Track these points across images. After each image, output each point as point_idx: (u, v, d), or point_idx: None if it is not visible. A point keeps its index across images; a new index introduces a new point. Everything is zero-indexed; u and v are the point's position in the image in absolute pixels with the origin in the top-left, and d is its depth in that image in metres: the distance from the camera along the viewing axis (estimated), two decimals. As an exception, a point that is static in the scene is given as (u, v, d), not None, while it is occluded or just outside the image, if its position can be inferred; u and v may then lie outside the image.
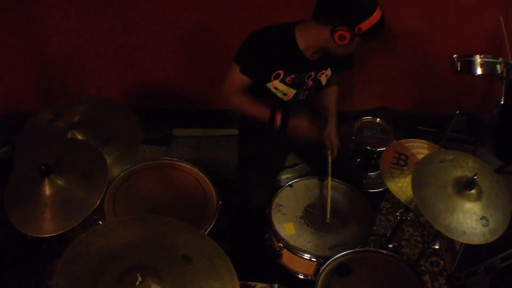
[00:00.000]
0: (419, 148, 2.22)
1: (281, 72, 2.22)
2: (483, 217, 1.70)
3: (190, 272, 1.37)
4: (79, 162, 1.76)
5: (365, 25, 1.98)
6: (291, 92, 2.31)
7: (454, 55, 2.79)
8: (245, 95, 2.21)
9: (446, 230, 1.68)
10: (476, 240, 1.68)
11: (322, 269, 1.89)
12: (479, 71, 2.74)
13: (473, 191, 1.72)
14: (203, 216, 2.09)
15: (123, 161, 2.01)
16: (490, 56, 2.74)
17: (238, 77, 2.17)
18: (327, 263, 1.92)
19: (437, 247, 2.31)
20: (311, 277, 2.06)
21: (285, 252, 2.08)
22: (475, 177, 1.70)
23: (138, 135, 2.06)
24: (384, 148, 2.46)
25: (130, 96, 3.38)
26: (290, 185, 2.33)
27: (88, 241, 1.41)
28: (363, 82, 3.44)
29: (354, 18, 1.98)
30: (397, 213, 2.45)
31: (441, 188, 1.75)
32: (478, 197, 1.73)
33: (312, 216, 2.18)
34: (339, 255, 1.94)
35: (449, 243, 2.90)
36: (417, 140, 2.27)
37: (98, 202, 1.66)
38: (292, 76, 2.24)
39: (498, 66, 2.72)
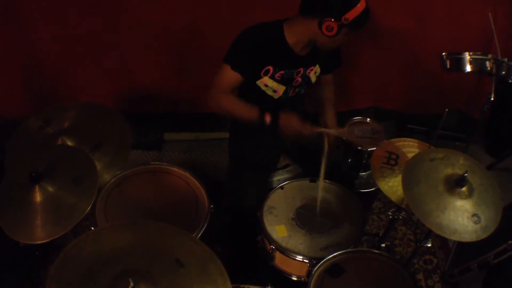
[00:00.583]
0: (409, 147, 2.23)
1: (271, 68, 2.22)
2: (474, 214, 1.71)
3: (183, 276, 1.37)
4: (70, 168, 1.76)
5: (351, 14, 2.00)
6: (281, 88, 2.32)
7: (443, 53, 2.79)
8: (234, 95, 2.22)
9: (438, 228, 1.69)
10: (467, 237, 1.69)
11: (314, 270, 1.90)
12: (468, 68, 2.75)
13: (464, 188, 1.73)
14: (194, 220, 2.09)
15: (113, 166, 2.02)
16: (479, 53, 2.75)
17: (228, 76, 2.17)
18: (320, 264, 1.92)
19: (430, 245, 2.32)
20: (304, 279, 2.06)
21: (278, 254, 2.08)
22: (466, 174, 1.71)
23: (128, 140, 2.06)
24: (374, 148, 2.46)
25: (120, 100, 3.36)
26: (281, 187, 2.33)
27: (80, 246, 1.40)
28: (353, 81, 3.44)
29: (338, 8, 2.01)
30: (389, 212, 2.45)
31: (432, 186, 1.76)
32: (469, 194, 1.74)
33: (304, 218, 2.18)
34: (332, 255, 1.95)
35: (442, 241, 2.91)
36: (407, 139, 2.27)
37: (89, 208, 1.67)
38: (282, 72, 2.25)
39: (487, 63, 2.72)
